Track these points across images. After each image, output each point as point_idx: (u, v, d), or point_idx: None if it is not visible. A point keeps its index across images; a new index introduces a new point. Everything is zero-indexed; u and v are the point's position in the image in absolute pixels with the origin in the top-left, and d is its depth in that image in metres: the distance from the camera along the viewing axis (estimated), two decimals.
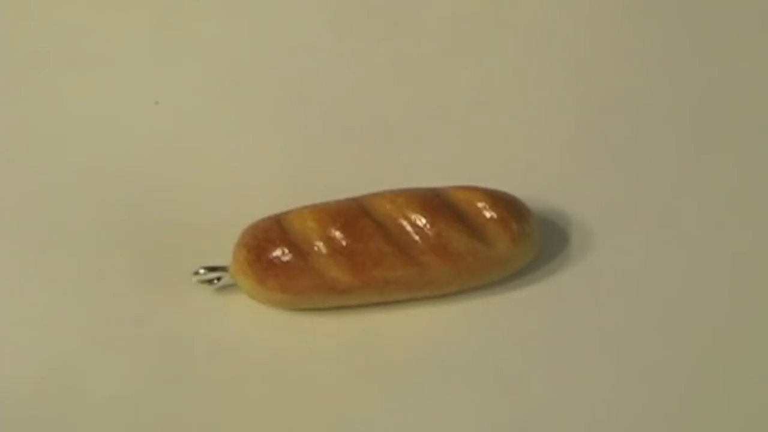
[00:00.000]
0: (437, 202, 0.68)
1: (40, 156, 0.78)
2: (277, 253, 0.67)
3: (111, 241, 0.73)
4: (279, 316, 0.69)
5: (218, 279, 0.69)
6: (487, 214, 0.68)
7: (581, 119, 0.78)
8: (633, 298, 0.69)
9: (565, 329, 0.68)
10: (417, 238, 0.67)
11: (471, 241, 0.68)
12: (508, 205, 0.69)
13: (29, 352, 0.68)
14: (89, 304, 0.70)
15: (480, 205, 0.69)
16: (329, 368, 0.67)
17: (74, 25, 0.86)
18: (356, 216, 0.68)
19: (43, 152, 0.78)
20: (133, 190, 0.75)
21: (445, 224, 0.67)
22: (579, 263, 0.71)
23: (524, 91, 0.80)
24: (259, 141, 0.78)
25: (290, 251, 0.67)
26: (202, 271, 0.69)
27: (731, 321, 0.68)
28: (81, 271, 0.72)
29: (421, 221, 0.68)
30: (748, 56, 0.82)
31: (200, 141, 0.78)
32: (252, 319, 0.69)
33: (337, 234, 0.67)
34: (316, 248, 0.67)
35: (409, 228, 0.68)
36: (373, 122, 0.79)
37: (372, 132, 0.78)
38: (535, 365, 0.67)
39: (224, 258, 0.69)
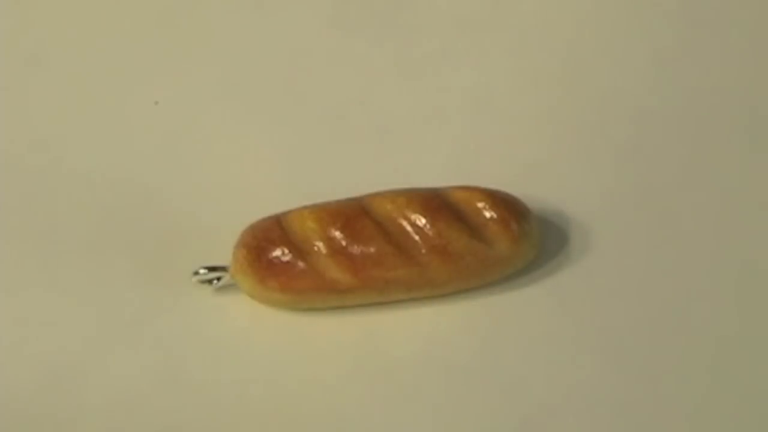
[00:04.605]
0: (437, 202, 0.68)
1: (40, 156, 0.78)
2: (277, 253, 0.67)
3: (111, 242, 0.73)
4: (279, 316, 0.69)
5: (218, 279, 0.69)
6: (487, 214, 0.68)
7: (581, 119, 0.78)
8: (633, 298, 0.69)
9: (565, 329, 0.68)
10: (417, 238, 0.67)
11: (471, 241, 0.68)
12: (508, 205, 0.69)
13: (29, 352, 0.68)
14: (89, 304, 0.70)
15: (480, 205, 0.69)
16: (329, 368, 0.67)
17: (74, 25, 0.86)
18: (356, 216, 0.68)
19: (42, 152, 0.78)
20: (133, 190, 0.75)
21: (445, 224, 0.67)
22: (579, 263, 0.71)
23: (524, 91, 0.80)
24: (259, 141, 0.78)
25: (290, 251, 0.67)
26: (202, 271, 0.69)
27: (732, 320, 0.68)
28: (81, 272, 0.72)
29: (421, 221, 0.68)
30: (749, 56, 0.81)
31: (200, 141, 0.78)
32: (252, 319, 0.69)
33: (337, 234, 0.67)
34: (316, 248, 0.67)
35: (409, 228, 0.68)
36: (373, 122, 0.79)
37: (372, 132, 0.78)
38: (535, 365, 0.67)
39: (224, 258, 0.69)
